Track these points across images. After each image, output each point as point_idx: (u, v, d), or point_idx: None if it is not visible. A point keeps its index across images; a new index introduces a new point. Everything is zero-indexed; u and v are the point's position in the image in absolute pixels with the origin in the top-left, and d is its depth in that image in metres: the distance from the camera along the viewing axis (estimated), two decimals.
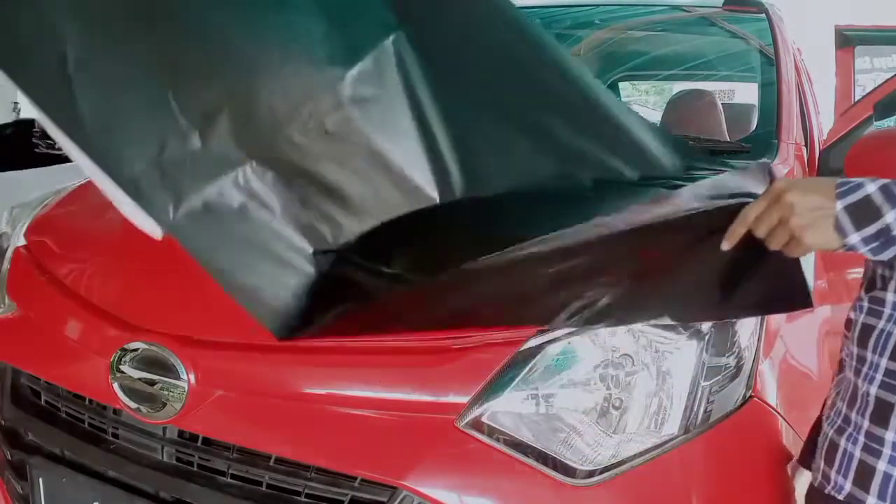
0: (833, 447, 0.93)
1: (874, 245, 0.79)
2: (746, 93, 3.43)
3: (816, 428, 1.03)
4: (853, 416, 0.91)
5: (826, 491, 0.94)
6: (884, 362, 0.88)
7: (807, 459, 1.03)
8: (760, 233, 0.84)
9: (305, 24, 1.04)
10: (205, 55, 1.02)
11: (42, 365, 1.28)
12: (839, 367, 0.99)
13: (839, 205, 0.79)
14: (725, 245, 0.87)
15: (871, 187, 0.78)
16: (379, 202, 1.12)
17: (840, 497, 0.92)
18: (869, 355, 0.90)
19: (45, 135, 4.71)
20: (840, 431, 0.93)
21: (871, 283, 0.93)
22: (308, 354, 1.07)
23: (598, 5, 2.43)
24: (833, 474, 0.93)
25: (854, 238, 0.79)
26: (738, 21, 2.09)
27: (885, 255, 0.80)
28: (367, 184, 1.11)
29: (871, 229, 0.78)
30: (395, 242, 1.10)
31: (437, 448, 0.98)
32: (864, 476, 0.89)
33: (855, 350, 0.93)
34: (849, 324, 0.96)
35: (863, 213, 0.78)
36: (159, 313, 1.15)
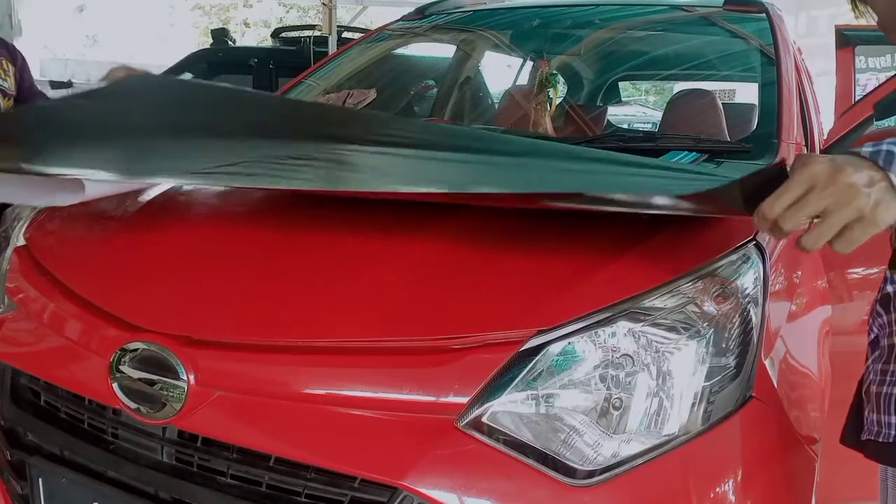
0: None
1: None
2: (747, 93, 3.43)
3: (856, 405, 1.07)
4: None
5: None
6: None
7: (852, 437, 1.07)
8: (792, 225, 0.78)
9: None
10: None
11: (41, 365, 1.28)
12: (871, 347, 1.04)
13: (894, 177, 0.75)
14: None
15: None
16: None
17: None
18: None
19: None
20: None
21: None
22: (308, 354, 1.06)
23: (598, 5, 2.43)
24: None
25: None
26: (739, 21, 2.09)
27: None
28: None
29: None
30: None
31: (436, 448, 0.98)
32: None
33: None
34: (885, 299, 1.01)
35: None
36: (159, 313, 1.15)
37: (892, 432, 0.99)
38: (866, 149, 0.78)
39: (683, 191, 0.97)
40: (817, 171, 0.76)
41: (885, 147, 0.76)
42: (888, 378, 1.02)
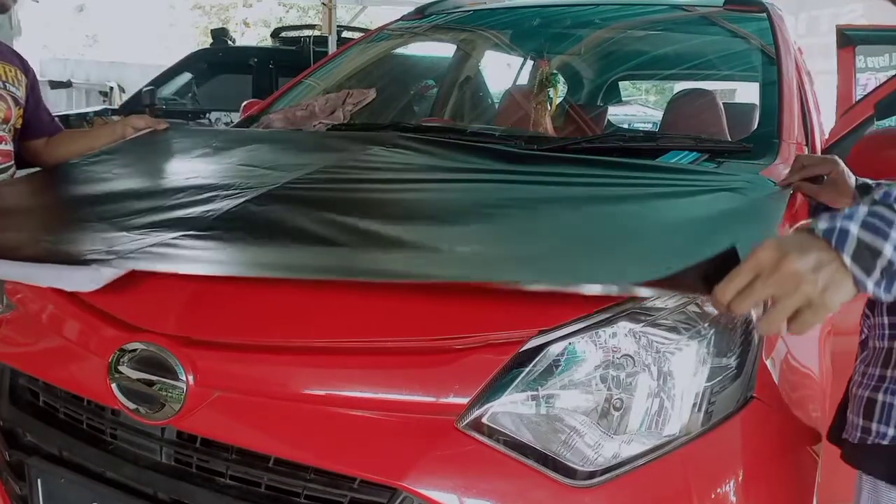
0: (871, 403, 1.01)
1: (884, 284, 0.74)
2: (747, 93, 3.43)
3: (843, 403, 1.10)
4: (888, 372, 1.01)
5: (869, 442, 1.01)
6: None
7: (835, 434, 1.10)
8: (743, 310, 0.78)
9: None
10: None
11: (40, 365, 1.28)
12: (861, 347, 1.08)
13: (847, 259, 0.74)
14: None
15: (854, 228, 0.75)
16: None
17: (885, 443, 1.00)
18: None
19: None
20: (876, 389, 1.01)
21: None
22: (308, 355, 1.06)
23: (599, 5, 2.43)
24: (874, 425, 1.00)
25: (870, 285, 0.74)
26: (739, 20, 2.08)
27: (893, 291, 0.75)
28: None
29: (877, 271, 0.74)
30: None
31: (436, 449, 0.98)
32: None
33: (886, 320, 1.02)
34: (872, 302, 1.04)
35: (864, 256, 0.74)
36: (158, 314, 1.14)
37: (858, 434, 1.02)
38: (821, 225, 0.77)
39: (641, 277, 0.90)
40: (762, 259, 0.76)
41: (839, 224, 0.75)
42: (864, 380, 1.04)
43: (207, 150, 1.76)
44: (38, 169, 1.87)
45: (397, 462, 0.97)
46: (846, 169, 1.35)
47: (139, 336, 1.11)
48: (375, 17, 9.02)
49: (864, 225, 0.75)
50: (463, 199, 1.34)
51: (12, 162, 1.85)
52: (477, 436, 0.97)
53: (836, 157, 1.37)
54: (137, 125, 1.88)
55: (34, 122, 1.93)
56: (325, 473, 1.01)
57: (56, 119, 2.05)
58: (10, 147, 1.84)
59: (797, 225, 0.79)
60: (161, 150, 1.79)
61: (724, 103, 2.09)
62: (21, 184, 1.70)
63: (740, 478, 1.02)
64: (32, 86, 1.93)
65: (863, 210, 0.76)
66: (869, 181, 1.32)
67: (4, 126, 1.81)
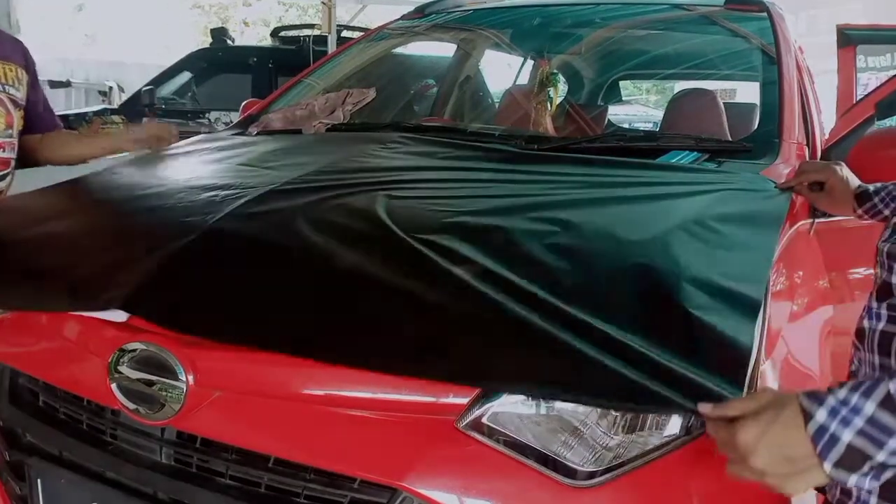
0: None
1: (871, 475, 0.70)
2: (748, 92, 3.43)
3: None
4: None
5: None
6: None
7: None
8: (721, 452, 0.78)
9: None
10: None
11: (40, 366, 1.28)
12: (849, 378, 0.97)
13: (828, 466, 0.70)
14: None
15: (848, 435, 0.69)
16: None
17: None
18: (893, 362, 0.87)
19: None
20: None
21: (884, 291, 0.91)
22: None
23: (599, 4, 2.42)
24: (855, 490, 0.88)
25: (853, 479, 0.70)
26: (740, 20, 2.08)
27: (882, 479, 0.71)
28: None
29: (865, 468, 0.70)
30: None
31: (437, 449, 0.98)
32: (891, 489, 0.82)
33: (876, 360, 0.90)
34: (860, 333, 0.94)
35: (852, 460, 0.70)
36: None
37: (838, 494, 0.93)
38: (818, 416, 0.71)
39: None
40: (738, 440, 0.74)
41: (832, 428, 0.70)
42: None
43: (210, 153, 1.76)
44: (36, 171, 1.85)
45: (397, 462, 0.97)
46: (847, 176, 1.33)
47: (139, 336, 1.11)
48: (375, 17, 8.99)
49: (861, 433, 0.69)
50: (456, 205, 1.31)
51: (11, 169, 1.82)
52: (477, 436, 0.97)
53: (838, 165, 1.35)
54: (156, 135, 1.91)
55: (32, 118, 1.90)
56: (325, 473, 1.01)
57: (55, 115, 2.02)
58: (10, 154, 1.81)
59: (799, 393, 0.75)
60: (164, 163, 1.79)
61: (724, 103, 2.09)
62: (24, 208, 1.63)
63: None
64: (33, 82, 1.90)
65: (867, 411, 0.70)
66: (869, 188, 1.29)
67: (9, 131, 1.79)
